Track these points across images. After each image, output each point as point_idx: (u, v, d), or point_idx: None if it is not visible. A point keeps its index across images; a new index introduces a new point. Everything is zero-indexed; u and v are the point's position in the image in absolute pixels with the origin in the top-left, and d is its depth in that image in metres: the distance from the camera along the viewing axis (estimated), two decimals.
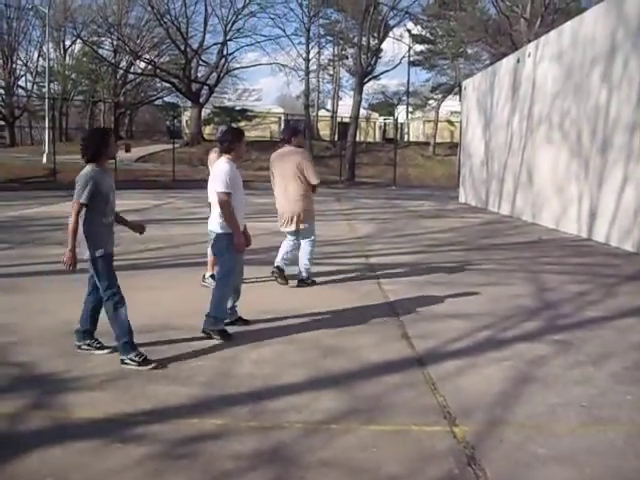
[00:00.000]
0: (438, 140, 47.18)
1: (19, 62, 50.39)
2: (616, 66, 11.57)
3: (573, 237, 12.71)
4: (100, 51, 46.96)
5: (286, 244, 7.86)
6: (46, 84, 40.60)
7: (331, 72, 55.48)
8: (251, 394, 4.17)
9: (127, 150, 35.25)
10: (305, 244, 7.67)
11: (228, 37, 43.10)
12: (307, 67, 47.22)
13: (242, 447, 3.44)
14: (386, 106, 61.80)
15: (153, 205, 18.02)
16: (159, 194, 21.82)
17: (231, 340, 5.33)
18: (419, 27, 44.69)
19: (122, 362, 4.65)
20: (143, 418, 3.78)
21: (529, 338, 5.54)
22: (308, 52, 47.41)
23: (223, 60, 43.76)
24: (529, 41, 21.18)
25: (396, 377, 4.53)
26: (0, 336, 5.34)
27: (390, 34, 42.38)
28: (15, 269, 8.34)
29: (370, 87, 50.53)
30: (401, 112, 57.59)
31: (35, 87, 52.02)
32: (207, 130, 47.14)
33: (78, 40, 47.34)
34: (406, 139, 56.43)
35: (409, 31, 45.28)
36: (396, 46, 72.06)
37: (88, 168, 4.66)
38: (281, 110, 56.94)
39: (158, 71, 44.05)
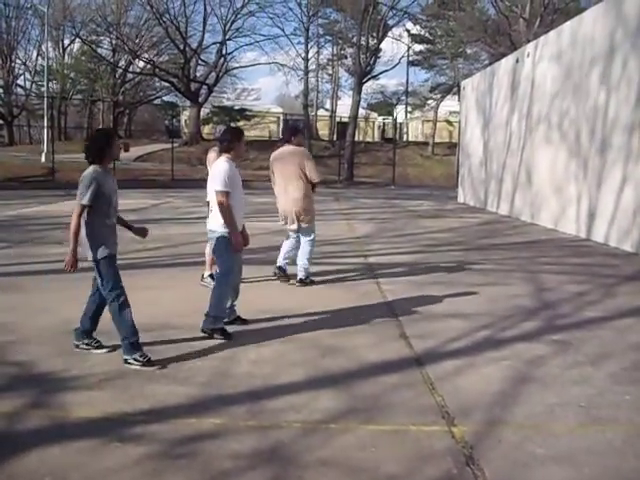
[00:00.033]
0: (437, 140, 47.22)
1: (18, 61, 50.43)
2: (615, 66, 11.57)
3: (572, 237, 12.71)
4: (99, 50, 46.95)
5: (287, 243, 7.88)
6: (45, 83, 40.56)
7: (330, 72, 55.48)
8: (250, 394, 4.16)
9: (126, 149, 35.15)
10: (304, 244, 7.67)
11: (227, 36, 43.10)
12: (306, 67, 47.21)
13: (241, 446, 3.44)
14: (385, 106, 61.76)
15: (151, 204, 18.02)
16: (158, 193, 21.80)
17: (231, 339, 5.33)
18: (418, 27, 44.73)
19: (125, 362, 4.64)
20: (142, 417, 3.78)
21: (528, 338, 5.54)
22: (307, 52, 47.43)
23: (222, 59, 43.73)
24: (528, 41, 21.18)
25: (394, 377, 4.54)
26: None
27: (389, 34, 42.43)
28: (14, 268, 8.33)
29: (369, 87, 50.52)
30: (400, 112, 57.56)
31: (34, 86, 51.96)
32: (206, 129, 47.12)
33: (77, 39, 47.34)
34: (405, 139, 56.48)
35: (408, 31, 45.33)
36: (395, 46, 72.54)
37: (91, 169, 4.64)
38: (280, 110, 56.93)
39: (157, 70, 44.01)
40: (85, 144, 4.85)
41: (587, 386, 4.41)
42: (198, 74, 45.78)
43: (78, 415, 3.81)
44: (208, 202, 6.40)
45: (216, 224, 5.45)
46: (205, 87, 44.20)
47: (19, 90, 51.46)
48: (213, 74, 44.31)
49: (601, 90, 12.09)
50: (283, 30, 76.62)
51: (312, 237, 7.72)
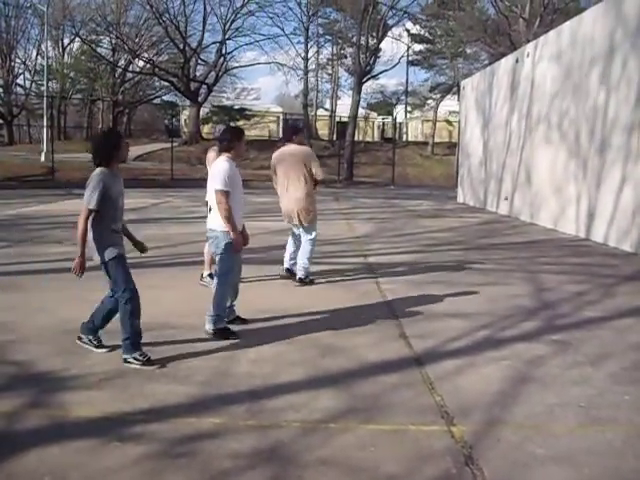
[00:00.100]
0: (436, 140, 47.22)
1: (17, 60, 50.38)
2: (615, 66, 11.58)
3: (571, 237, 12.72)
4: (99, 50, 46.86)
5: (292, 243, 7.89)
6: (44, 82, 40.53)
7: (330, 71, 55.51)
8: (249, 393, 4.16)
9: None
10: (305, 243, 7.68)
11: (227, 36, 43.06)
12: (306, 66, 47.24)
13: (240, 446, 3.44)
14: (385, 106, 61.79)
15: (151, 204, 18.01)
16: (157, 193, 21.79)
17: (236, 338, 5.34)
18: (418, 27, 44.74)
19: (125, 361, 4.64)
20: (141, 417, 3.78)
21: (527, 338, 5.55)
22: (307, 51, 47.48)
23: (222, 59, 43.70)
24: (528, 41, 21.18)
25: (394, 377, 4.54)
26: None
27: (389, 34, 42.41)
28: (13, 267, 8.32)
29: (369, 86, 50.57)
30: (400, 112, 57.58)
31: (33, 85, 51.93)
32: (205, 129, 47.10)
33: (77, 38, 47.29)
34: (405, 139, 56.48)
35: (408, 31, 45.35)
36: (395, 46, 72.69)
37: (98, 172, 4.60)
38: (280, 109, 56.93)
39: (157, 70, 43.97)
40: (92, 146, 4.81)
41: (587, 386, 4.41)
42: (198, 73, 45.76)
43: (77, 414, 3.81)
44: (207, 201, 6.41)
45: (216, 223, 5.45)
46: (205, 86, 44.17)
47: (19, 89, 51.49)
48: (213, 73, 44.28)
49: (601, 90, 12.09)
50: (283, 30, 76.79)
51: (313, 236, 7.73)
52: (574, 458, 3.36)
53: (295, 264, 7.81)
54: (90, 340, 4.96)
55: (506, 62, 18.36)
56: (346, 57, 51.45)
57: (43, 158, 31.29)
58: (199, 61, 45.67)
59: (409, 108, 55.27)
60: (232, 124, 33.13)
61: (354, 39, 40.34)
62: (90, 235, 4.57)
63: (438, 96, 48.07)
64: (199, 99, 43.68)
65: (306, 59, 47.25)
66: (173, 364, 4.69)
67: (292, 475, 3.16)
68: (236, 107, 49.26)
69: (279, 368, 4.67)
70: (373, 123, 63.57)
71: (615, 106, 11.55)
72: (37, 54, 49.42)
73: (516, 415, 3.91)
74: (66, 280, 7.54)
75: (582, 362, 4.92)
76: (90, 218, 4.54)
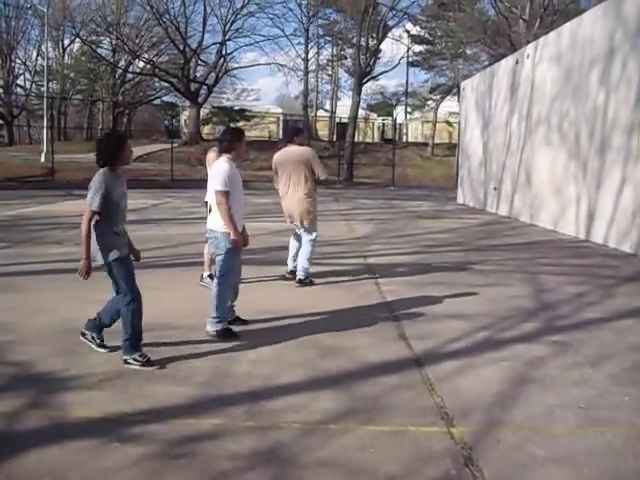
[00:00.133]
0: (437, 141, 47.24)
1: (18, 61, 50.39)
2: (615, 67, 11.58)
3: (571, 238, 12.71)
4: (99, 50, 46.93)
5: (294, 244, 7.91)
6: (45, 83, 40.57)
7: (330, 72, 55.51)
8: (249, 394, 4.16)
9: None
10: (306, 244, 7.69)
11: (227, 37, 43.09)
12: (306, 67, 47.27)
13: (239, 447, 3.44)
14: (385, 106, 61.80)
15: (151, 204, 18.01)
16: (157, 194, 21.80)
17: (236, 338, 5.34)
18: (418, 28, 44.76)
19: (125, 362, 4.64)
20: (141, 418, 3.77)
21: (527, 339, 5.54)
22: (307, 52, 47.51)
23: (222, 60, 43.72)
24: (528, 42, 21.19)
25: (394, 378, 4.53)
26: None
27: (389, 35, 42.46)
28: (13, 268, 8.32)
29: (369, 87, 50.53)
30: (400, 113, 57.62)
31: (34, 86, 51.93)
32: (205, 130, 47.12)
33: (77, 39, 47.34)
34: (405, 140, 56.50)
35: (408, 32, 45.36)
36: (395, 47, 72.65)
37: (101, 173, 4.59)
38: (280, 110, 56.96)
39: (157, 71, 43.99)
40: (96, 147, 4.80)
41: (587, 387, 4.41)
42: (198, 74, 45.78)
43: (77, 415, 3.81)
44: (206, 202, 6.41)
45: (216, 224, 5.45)
46: (205, 87, 44.19)
47: (19, 90, 51.49)
48: (213, 74, 44.30)
49: (601, 91, 12.09)
50: (283, 31, 76.64)
51: (314, 237, 7.74)
52: (574, 459, 3.36)
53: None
54: (93, 337, 4.95)
55: (506, 63, 18.36)
56: (346, 58, 51.49)
57: (43, 159, 31.31)
58: (199, 62, 45.70)
59: (409, 109, 55.30)
60: (232, 125, 33.11)
61: (354, 40, 40.36)
62: (93, 237, 4.56)
63: (438, 97, 48.09)
64: (199, 100, 43.70)
65: (306, 60, 47.29)
66: (173, 365, 4.69)
67: (292, 476, 3.16)
68: (236, 108, 49.32)
69: (279, 369, 4.67)
70: (373, 124, 63.58)
71: (615, 107, 11.56)
72: (37, 55, 49.49)
73: (516, 416, 3.91)
74: (65, 281, 7.55)
75: (582, 363, 4.92)
76: (93, 220, 4.53)
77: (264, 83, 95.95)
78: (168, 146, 33.89)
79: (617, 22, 11.55)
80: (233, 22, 42.92)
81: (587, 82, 12.67)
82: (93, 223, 4.54)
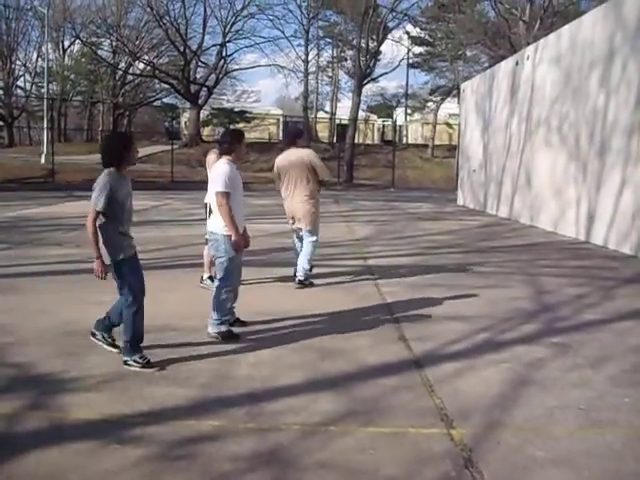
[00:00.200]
0: (437, 142, 47.25)
1: (18, 62, 50.40)
2: (614, 69, 11.59)
3: (571, 240, 12.71)
4: (99, 52, 46.97)
5: (299, 247, 7.92)
6: (45, 84, 40.61)
7: (330, 74, 55.53)
8: (249, 396, 4.16)
9: None
10: (307, 245, 7.70)
11: (227, 38, 43.18)
12: (306, 69, 47.31)
13: (240, 449, 3.43)
14: (385, 108, 61.80)
15: (151, 206, 18.01)
16: (157, 195, 21.80)
17: (237, 340, 5.33)
18: (418, 29, 44.83)
19: (125, 363, 4.64)
20: (140, 419, 3.77)
21: (527, 341, 5.54)
22: (307, 54, 47.54)
23: (222, 61, 43.79)
24: (528, 44, 21.21)
25: (394, 379, 4.53)
26: None
27: (389, 36, 42.51)
28: (13, 269, 8.33)
29: (369, 89, 50.59)
30: (400, 114, 57.67)
31: (34, 87, 52.00)
32: (206, 131, 47.13)
33: (77, 41, 47.34)
34: (405, 141, 56.50)
35: (408, 33, 45.41)
36: (395, 48, 72.72)
37: (106, 173, 4.56)
38: (280, 112, 56.97)
39: (157, 72, 44.04)
40: (102, 147, 4.78)
41: (587, 389, 4.40)
42: (198, 76, 45.85)
43: (77, 417, 3.81)
44: (206, 204, 6.40)
45: (217, 226, 5.45)
46: (205, 89, 44.25)
47: (19, 91, 51.55)
48: (213, 76, 44.37)
49: (600, 93, 12.10)
50: (283, 32, 76.72)
51: (315, 239, 7.75)
52: (574, 461, 3.36)
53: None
54: (104, 337, 4.95)
55: (506, 65, 18.38)
56: (346, 60, 51.53)
57: (43, 160, 31.36)
58: (199, 63, 45.79)
59: (409, 111, 55.34)
60: (232, 127, 33.13)
61: (354, 42, 40.41)
62: (99, 237, 4.55)
63: (438, 99, 48.13)
64: (199, 101, 43.75)
65: (306, 62, 47.34)
66: (173, 367, 4.68)
67: (291, 478, 3.16)
68: (236, 109, 49.37)
69: (278, 371, 4.67)
70: (373, 126, 63.58)
71: (615, 109, 11.56)
72: (37, 56, 49.53)
73: (516, 418, 3.91)
74: (65, 282, 7.57)
75: (582, 365, 4.92)
76: (98, 220, 4.51)
77: (264, 85, 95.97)
78: (168, 148, 33.93)
79: (617, 24, 11.56)
80: (233, 24, 43.07)
81: (587, 84, 12.68)
82: (99, 223, 4.52)
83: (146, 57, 45.57)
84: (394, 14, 39.18)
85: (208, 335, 5.39)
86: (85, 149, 40.21)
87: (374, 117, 63.27)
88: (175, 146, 34.96)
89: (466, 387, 4.40)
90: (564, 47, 13.91)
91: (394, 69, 47.30)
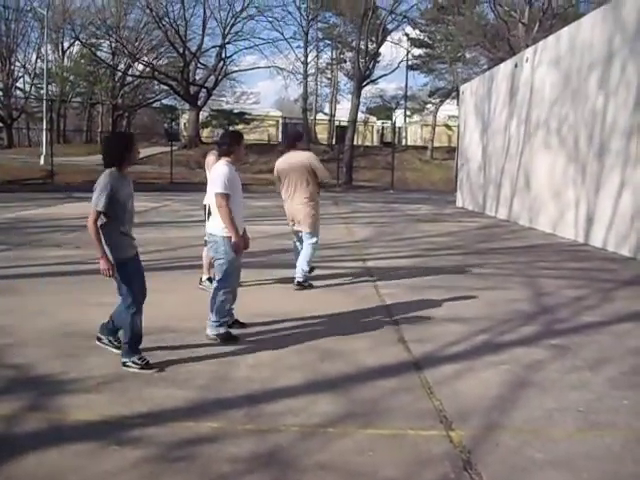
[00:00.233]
0: (436, 144, 47.25)
1: (17, 64, 50.36)
2: (613, 71, 11.60)
3: (570, 242, 12.72)
4: (98, 53, 46.89)
5: (299, 247, 7.94)
6: (44, 86, 40.61)
7: (329, 76, 55.59)
8: (248, 397, 4.16)
9: None
10: (307, 246, 7.72)
11: (226, 40, 43.17)
12: (305, 70, 47.25)
13: (239, 450, 3.44)
14: (384, 110, 61.84)
15: (151, 207, 18.00)
16: (156, 196, 21.78)
17: (236, 342, 5.34)
18: (417, 31, 44.83)
19: (124, 365, 4.64)
20: (139, 421, 3.77)
21: (526, 342, 5.55)
22: (306, 56, 47.45)
23: (221, 63, 43.79)
24: (527, 46, 21.23)
25: (393, 381, 4.53)
26: None
27: (388, 38, 42.57)
28: (12, 271, 8.32)
29: (368, 91, 50.69)
30: (399, 116, 57.67)
31: (33, 89, 52.01)
32: (205, 133, 47.10)
33: (76, 42, 47.29)
34: (404, 143, 56.52)
35: (407, 35, 45.48)
36: (394, 50, 72.60)
37: (107, 173, 4.55)
38: (279, 113, 56.96)
39: (156, 73, 44.02)
40: (103, 147, 4.77)
41: (585, 391, 4.41)
42: (197, 77, 45.83)
43: (76, 418, 3.81)
44: (205, 205, 6.40)
45: (216, 228, 5.45)
46: (204, 90, 44.24)
47: (18, 93, 51.53)
48: (212, 77, 44.37)
49: (599, 95, 12.11)
50: (282, 34, 76.50)
51: (315, 240, 7.78)
52: (573, 463, 3.36)
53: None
54: (110, 341, 4.94)
55: (505, 67, 18.40)
56: (345, 61, 51.58)
57: (42, 161, 31.35)
58: (199, 65, 45.78)
59: (408, 112, 55.37)
60: (231, 128, 33.14)
61: (353, 43, 40.46)
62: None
63: (437, 100, 48.15)
64: (199, 103, 43.74)
65: (305, 63, 47.28)
66: (172, 368, 4.68)
67: (291, 479, 3.16)
68: (235, 111, 49.31)
69: (278, 372, 4.67)
70: (372, 127, 63.63)
71: (614, 111, 11.57)
72: (37, 57, 49.51)
73: (515, 420, 3.91)
74: (65, 283, 7.56)
75: (581, 367, 4.92)
76: (99, 220, 4.49)
77: (263, 86, 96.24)
78: (167, 149, 33.92)
79: (616, 26, 11.58)
80: (233, 25, 43.06)
81: (586, 86, 12.70)
82: (100, 224, 4.51)
83: (145, 58, 45.59)
84: (393, 16, 39.33)
85: (207, 337, 5.39)
86: (84, 150, 40.21)
87: (373, 119, 63.31)
88: (174, 147, 34.95)
89: (465, 389, 4.41)
90: (563, 49, 13.92)
91: (393, 71, 47.45)
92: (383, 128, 63.27)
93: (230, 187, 5.41)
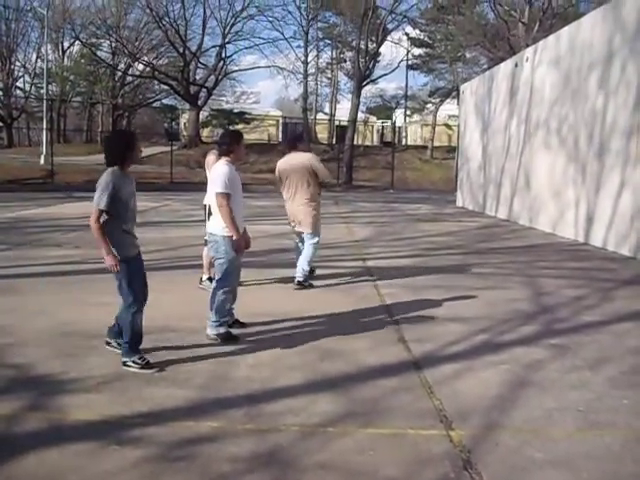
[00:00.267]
0: (436, 144, 47.25)
1: (17, 63, 50.44)
2: (613, 71, 11.60)
3: (570, 241, 12.73)
4: (98, 53, 46.90)
5: (300, 247, 7.96)
6: (44, 85, 40.62)
7: (329, 75, 55.58)
8: (248, 397, 4.16)
9: None
10: (308, 246, 7.74)
11: (227, 40, 43.21)
12: (305, 70, 47.28)
13: (239, 450, 3.44)
14: (384, 110, 61.83)
15: (151, 207, 18.00)
16: (156, 196, 21.76)
17: (236, 342, 5.34)
18: (417, 31, 44.86)
19: (124, 364, 4.64)
20: (140, 420, 3.77)
21: (526, 342, 5.55)
22: (306, 55, 47.50)
23: (221, 63, 43.82)
24: (527, 46, 21.24)
25: (393, 380, 4.54)
26: None
27: (388, 38, 42.56)
28: (12, 270, 8.32)
29: (368, 91, 50.71)
30: (399, 116, 57.68)
31: (33, 88, 52.04)
32: (205, 132, 47.12)
33: (76, 42, 47.31)
34: (404, 143, 56.52)
35: (407, 35, 45.49)
36: (394, 50, 72.69)
37: (109, 172, 4.54)
38: (279, 113, 56.97)
39: (156, 73, 44.04)
40: (105, 146, 4.76)
41: (585, 390, 4.41)
42: (197, 77, 45.86)
43: (76, 418, 3.81)
44: (205, 205, 6.40)
45: (217, 227, 5.45)
46: (204, 90, 44.26)
47: (18, 92, 51.57)
48: (212, 77, 44.40)
49: (599, 95, 12.11)
50: (282, 33, 76.79)
51: (316, 241, 7.81)
52: (572, 462, 3.36)
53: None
54: (119, 344, 4.91)
55: (505, 66, 18.39)
56: (345, 61, 51.59)
57: (42, 161, 31.36)
58: (199, 65, 45.81)
59: (408, 112, 55.38)
60: (231, 128, 33.12)
61: (354, 43, 40.45)
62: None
63: (437, 100, 48.14)
64: (199, 102, 43.76)
65: (306, 63, 47.30)
66: (172, 368, 4.68)
67: (291, 479, 3.16)
68: (236, 111, 49.30)
69: (278, 372, 4.67)
70: (372, 127, 63.64)
71: (614, 111, 11.57)
72: (37, 57, 49.55)
73: (515, 419, 3.91)
74: (65, 283, 7.56)
75: (581, 366, 4.93)
76: (101, 219, 4.49)
77: (264, 86, 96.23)
78: (168, 149, 33.92)
79: (616, 26, 11.58)
80: (233, 25, 43.11)
81: (586, 86, 12.70)
82: (101, 222, 4.51)
83: (145, 58, 45.59)
84: (393, 16, 39.31)
85: (207, 337, 5.39)
86: (84, 150, 40.24)
87: (373, 118, 63.31)
88: (174, 147, 34.96)
89: (465, 388, 4.41)
90: (563, 49, 13.92)
91: (393, 70, 47.42)
92: (383, 128, 63.28)
93: (230, 187, 5.41)
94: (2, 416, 3.80)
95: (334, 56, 53.21)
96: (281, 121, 54.60)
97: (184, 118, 53.00)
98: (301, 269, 7.67)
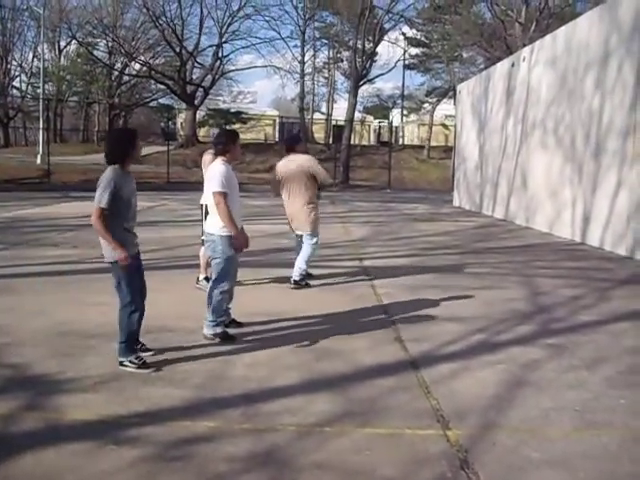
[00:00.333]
0: (433, 143, 47.26)
1: (14, 63, 50.32)
2: (610, 71, 11.62)
3: (567, 241, 12.74)
4: (95, 52, 46.78)
5: (299, 246, 7.98)
6: (41, 85, 40.49)
7: (326, 75, 55.49)
8: (245, 397, 4.16)
9: None
10: (307, 247, 7.76)
11: (223, 39, 43.20)
12: (302, 70, 47.21)
13: (236, 449, 3.44)
14: (381, 109, 61.83)
15: (147, 207, 17.95)
16: (153, 196, 21.70)
17: (233, 341, 5.33)
18: (414, 30, 44.82)
19: (121, 364, 4.63)
20: (136, 420, 3.77)
21: (523, 342, 5.56)
22: (303, 55, 47.41)
23: (218, 62, 43.79)
24: (524, 45, 21.24)
25: (390, 380, 4.54)
26: None
27: (385, 37, 42.49)
28: (9, 270, 8.31)
29: (365, 90, 50.70)
30: (396, 115, 57.66)
31: (29, 88, 51.92)
32: (202, 132, 47.12)
33: (73, 41, 47.26)
34: (401, 142, 56.50)
35: (404, 34, 45.49)
36: (391, 49, 72.71)
37: (110, 170, 4.53)
38: (276, 113, 56.97)
39: (153, 73, 44.00)
40: (106, 144, 4.75)
41: (582, 390, 4.41)
42: (194, 77, 45.81)
43: (73, 417, 3.81)
44: (202, 205, 6.39)
45: (214, 227, 5.44)
46: (201, 90, 44.22)
47: (15, 92, 51.44)
48: (209, 77, 44.36)
49: (596, 95, 12.13)
50: (279, 33, 76.65)
51: (315, 241, 7.82)
52: (569, 462, 3.37)
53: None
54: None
55: (502, 66, 18.41)
56: (342, 61, 51.50)
57: (39, 160, 31.30)
58: (195, 64, 45.76)
59: (405, 112, 55.35)
60: (227, 127, 33.08)
61: (350, 43, 40.43)
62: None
63: (434, 100, 48.13)
64: (195, 102, 43.72)
65: (302, 62, 47.24)
66: (169, 367, 4.68)
67: (287, 478, 3.16)
68: (232, 110, 49.27)
69: (275, 372, 4.67)
70: (369, 127, 63.62)
71: (610, 111, 11.59)
72: (33, 56, 49.46)
73: (511, 419, 3.91)
74: (62, 283, 7.55)
75: (577, 366, 4.93)
76: (103, 217, 4.47)
77: (260, 86, 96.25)
78: (164, 148, 33.81)
79: (612, 26, 11.59)
80: (229, 24, 43.08)
81: (582, 86, 12.71)
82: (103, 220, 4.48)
83: (142, 58, 45.49)
84: (390, 15, 39.23)
85: (204, 336, 5.39)
86: (81, 150, 40.17)
87: (370, 118, 63.30)
88: (171, 147, 34.86)
89: (462, 388, 4.41)
90: (560, 49, 13.94)
91: (390, 70, 47.39)
92: (380, 127, 63.24)
93: (227, 186, 5.40)
94: None
95: (331, 56, 53.15)
96: (278, 121, 54.61)
97: (181, 118, 52.89)
98: (298, 268, 7.68)
